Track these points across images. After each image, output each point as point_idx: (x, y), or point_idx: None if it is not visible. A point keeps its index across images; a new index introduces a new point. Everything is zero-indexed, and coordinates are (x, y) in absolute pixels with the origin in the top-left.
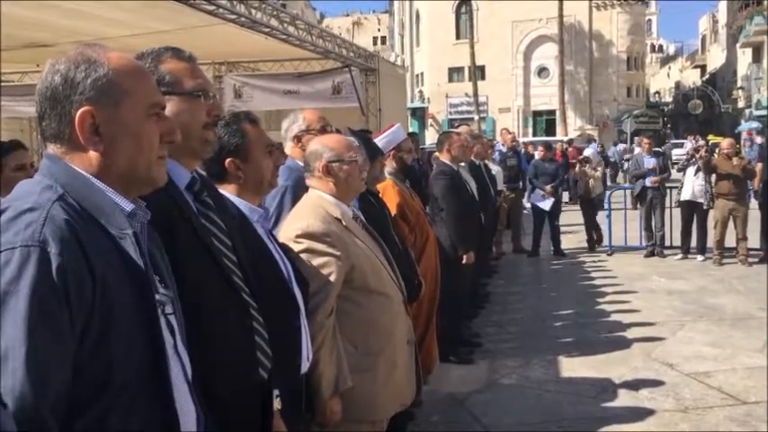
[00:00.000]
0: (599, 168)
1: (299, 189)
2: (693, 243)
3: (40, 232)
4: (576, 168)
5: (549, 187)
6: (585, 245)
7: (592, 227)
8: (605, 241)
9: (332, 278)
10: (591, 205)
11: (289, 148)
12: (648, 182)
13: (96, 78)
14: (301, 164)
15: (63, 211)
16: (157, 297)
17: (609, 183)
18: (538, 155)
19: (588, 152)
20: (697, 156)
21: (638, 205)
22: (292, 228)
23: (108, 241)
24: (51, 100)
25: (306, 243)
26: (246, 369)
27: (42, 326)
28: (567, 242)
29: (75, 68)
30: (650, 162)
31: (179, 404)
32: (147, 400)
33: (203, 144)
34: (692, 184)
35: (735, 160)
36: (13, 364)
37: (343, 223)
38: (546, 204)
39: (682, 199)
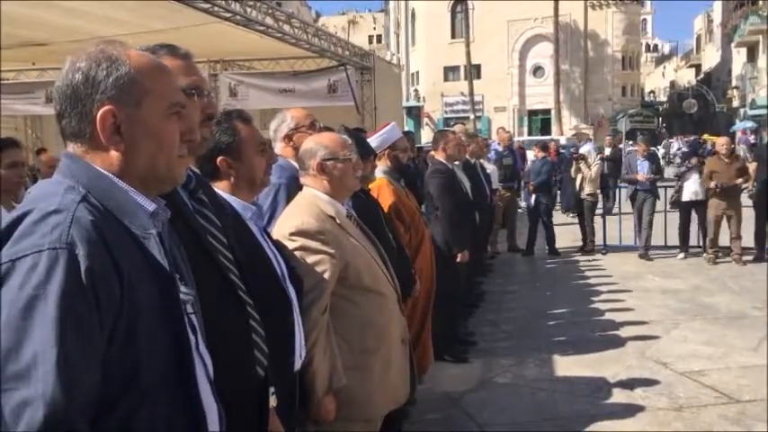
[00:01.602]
0: (594, 167)
1: (292, 187)
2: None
3: (68, 234)
4: (572, 167)
5: (530, 184)
6: (580, 244)
7: (583, 229)
8: (599, 240)
9: (326, 276)
10: (581, 206)
11: (279, 148)
12: (640, 185)
13: (118, 77)
14: (293, 162)
15: (88, 212)
16: (181, 296)
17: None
18: (534, 154)
19: (585, 149)
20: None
21: (631, 207)
22: (286, 225)
23: (132, 241)
24: (72, 98)
25: (300, 241)
26: (245, 367)
27: (72, 329)
28: (561, 241)
29: (96, 67)
30: (644, 165)
31: (203, 403)
32: (173, 400)
33: (200, 141)
34: (695, 185)
35: (729, 160)
36: (44, 369)
37: (338, 221)
38: (530, 201)
39: (683, 200)
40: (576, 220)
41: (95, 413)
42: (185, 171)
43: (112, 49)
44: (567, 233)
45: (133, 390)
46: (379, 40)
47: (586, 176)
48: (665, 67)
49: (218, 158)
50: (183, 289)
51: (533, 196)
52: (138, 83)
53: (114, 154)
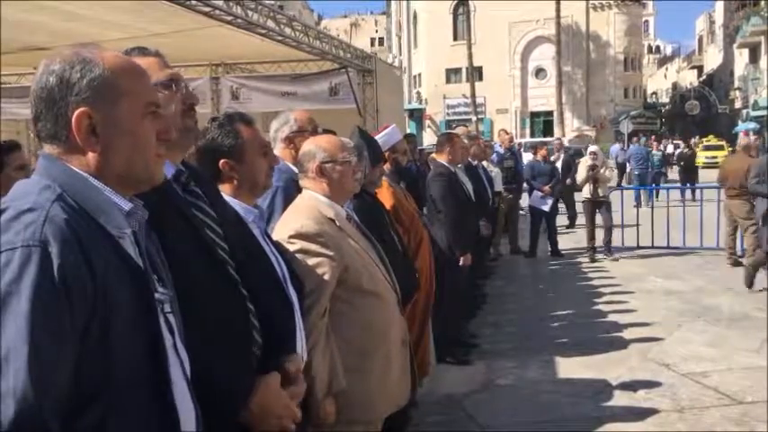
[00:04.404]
0: (607, 169)
1: (290, 191)
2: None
3: (41, 232)
4: (585, 168)
5: (547, 187)
6: (581, 245)
7: (590, 232)
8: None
9: (325, 278)
10: (594, 208)
11: (278, 149)
12: None
13: (92, 79)
14: (291, 165)
15: (62, 210)
16: (156, 296)
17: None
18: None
19: (594, 150)
20: None
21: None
22: (286, 228)
23: (107, 241)
24: (47, 101)
25: (299, 244)
26: (240, 360)
27: (44, 326)
28: (564, 243)
29: (70, 69)
30: None
31: (179, 403)
32: (148, 400)
33: (185, 132)
34: None
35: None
36: (15, 365)
37: (337, 224)
38: (546, 205)
39: None
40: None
41: (69, 411)
42: (163, 170)
43: (86, 51)
44: (569, 235)
45: (108, 389)
46: (380, 43)
47: (602, 179)
48: (667, 69)
49: (221, 161)
50: (159, 289)
51: (551, 199)
52: (113, 84)
53: (91, 155)
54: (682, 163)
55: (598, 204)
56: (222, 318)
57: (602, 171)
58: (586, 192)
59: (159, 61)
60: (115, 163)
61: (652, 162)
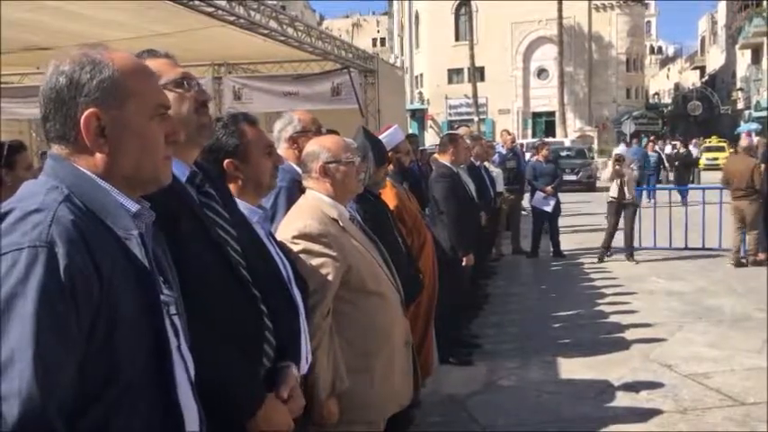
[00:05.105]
0: (634, 168)
1: (293, 191)
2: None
3: (48, 233)
4: (610, 168)
5: (549, 188)
6: (583, 246)
7: (610, 235)
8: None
9: (329, 278)
10: (620, 209)
11: (282, 149)
12: None
13: (101, 80)
14: (294, 165)
15: (69, 211)
16: (162, 298)
17: None
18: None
19: (621, 149)
20: None
21: None
22: (289, 229)
23: (114, 242)
24: (56, 101)
25: (303, 244)
26: (253, 360)
27: (50, 327)
28: (566, 244)
29: (80, 70)
30: None
31: (182, 404)
32: (152, 401)
33: (200, 129)
34: None
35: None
36: (21, 366)
37: (340, 224)
38: (549, 206)
39: None
40: (580, 222)
41: (72, 411)
42: (170, 171)
43: (96, 53)
44: (571, 236)
45: (111, 389)
46: (383, 43)
47: (628, 179)
48: (669, 69)
49: (226, 161)
50: (165, 291)
51: (554, 199)
52: (122, 85)
53: (99, 156)
54: (676, 163)
55: (623, 206)
56: (235, 319)
57: (628, 169)
58: (613, 191)
59: (170, 61)
60: (123, 164)
61: (648, 163)
